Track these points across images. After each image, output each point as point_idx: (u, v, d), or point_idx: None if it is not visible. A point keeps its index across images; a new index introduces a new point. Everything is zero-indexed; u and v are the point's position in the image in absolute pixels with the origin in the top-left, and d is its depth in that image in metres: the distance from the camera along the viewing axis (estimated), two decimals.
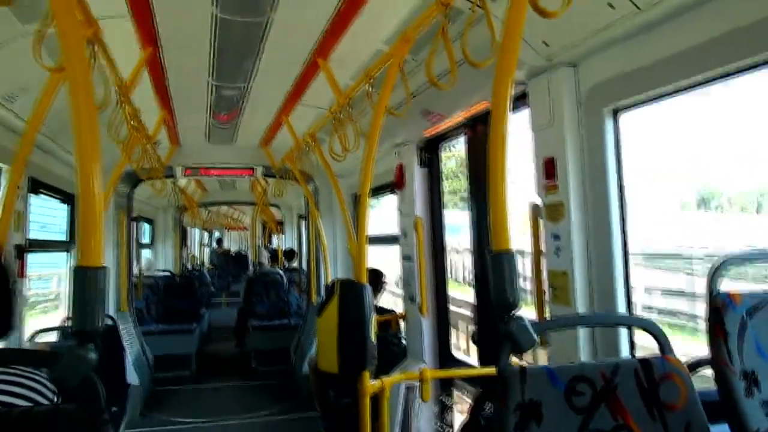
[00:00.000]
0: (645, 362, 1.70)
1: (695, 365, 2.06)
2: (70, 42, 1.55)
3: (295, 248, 13.27)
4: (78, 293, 1.36)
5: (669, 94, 2.77)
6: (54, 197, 6.30)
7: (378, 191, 6.54)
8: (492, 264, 1.62)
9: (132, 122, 4.51)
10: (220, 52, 4.19)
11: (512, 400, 1.57)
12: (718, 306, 1.80)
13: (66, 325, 5.82)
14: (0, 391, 1.55)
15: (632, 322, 2.11)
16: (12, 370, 1.59)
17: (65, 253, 6.61)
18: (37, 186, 5.25)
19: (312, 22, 3.79)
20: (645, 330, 1.83)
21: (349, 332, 2.92)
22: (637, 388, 1.66)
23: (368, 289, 2.97)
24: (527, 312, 1.75)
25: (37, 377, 1.62)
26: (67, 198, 6.58)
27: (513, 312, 1.59)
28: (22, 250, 4.63)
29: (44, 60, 2.69)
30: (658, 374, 1.69)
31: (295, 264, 12.65)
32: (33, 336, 5.35)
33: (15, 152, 3.46)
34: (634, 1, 2.55)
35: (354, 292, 2.94)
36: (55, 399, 1.66)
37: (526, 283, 5.22)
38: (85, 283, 1.36)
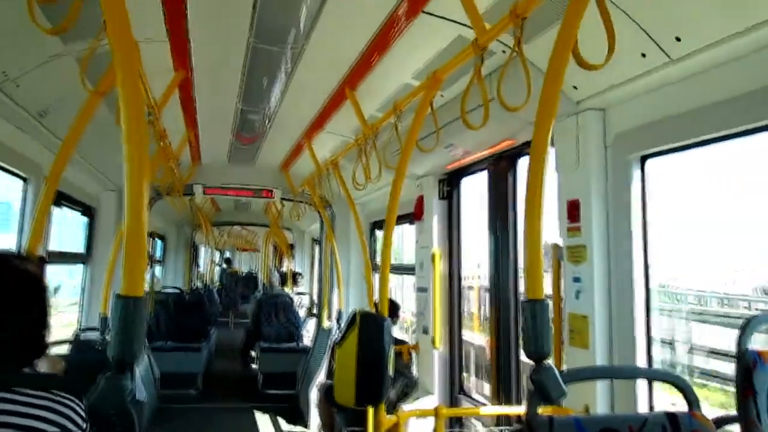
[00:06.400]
0: (672, 417, 1.69)
1: (722, 422, 2.04)
2: (124, 66, 1.59)
3: (306, 272, 13.23)
4: (119, 322, 1.37)
5: (698, 145, 2.79)
6: (75, 209, 6.36)
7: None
8: (525, 312, 1.63)
9: (161, 142, 4.57)
10: (250, 77, 4.26)
11: None
12: (748, 364, 1.79)
13: (79, 338, 5.82)
14: (34, 416, 1.54)
15: (662, 376, 2.09)
16: (45, 395, 1.59)
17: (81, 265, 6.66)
18: (59, 198, 5.30)
19: (342, 55, 3.85)
20: (674, 385, 1.81)
21: (367, 365, 2.90)
22: None
23: (389, 323, 2.96)
24: None
25: (67, 402, 1.61)
26: (86, 210, 6.64)
27: (544, 361, 1.59)
28: (43, 262, 4.66)
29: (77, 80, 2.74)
30: (685, 430, 1.67)
31: (301, 288, 12.57)
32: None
33: (47, 165, 3.49)
34: (666, 53, 2.58)
35: (375, 326, 2.93)
36: (86, 426, 1.65)
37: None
38: (127, 312, 1.37)
